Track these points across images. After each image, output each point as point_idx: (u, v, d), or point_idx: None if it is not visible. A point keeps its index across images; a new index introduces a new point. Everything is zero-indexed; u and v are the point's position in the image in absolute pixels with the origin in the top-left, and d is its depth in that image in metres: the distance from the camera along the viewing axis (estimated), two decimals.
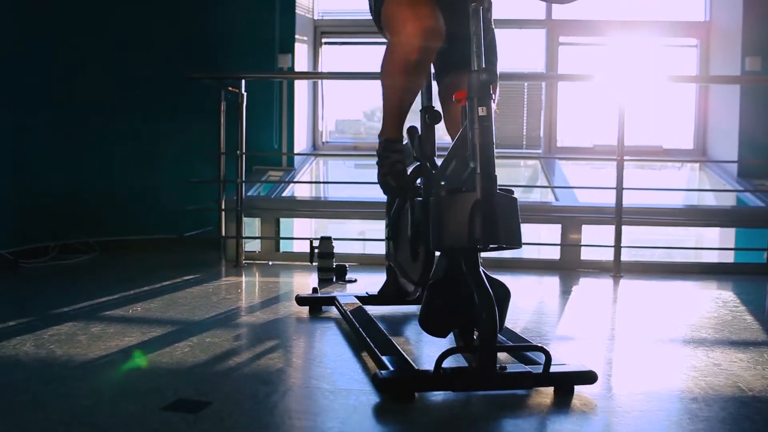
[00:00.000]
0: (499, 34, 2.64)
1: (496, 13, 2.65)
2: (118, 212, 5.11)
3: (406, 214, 2.60)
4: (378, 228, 4.57)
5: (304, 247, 4.42)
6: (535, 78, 5.71)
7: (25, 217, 4.67)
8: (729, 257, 4.93)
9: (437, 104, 2.68)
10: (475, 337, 1.99)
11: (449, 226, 1.97)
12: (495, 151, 1.99)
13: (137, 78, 5.17)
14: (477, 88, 1.98)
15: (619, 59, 5.71)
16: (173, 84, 4.98)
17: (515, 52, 5.75)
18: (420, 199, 2.50)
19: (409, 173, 2.57)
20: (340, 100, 6.02)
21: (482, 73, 1.99)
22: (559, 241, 4.50)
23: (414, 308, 2.91)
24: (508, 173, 5.49)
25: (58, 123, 5.00)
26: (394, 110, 2.49)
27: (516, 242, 1.97)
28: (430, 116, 2.55)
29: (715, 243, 5.27)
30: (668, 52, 5.82)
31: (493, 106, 2.04)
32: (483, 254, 2.05)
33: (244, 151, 4.53)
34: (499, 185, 1.97)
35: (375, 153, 2.64)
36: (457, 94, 2.04)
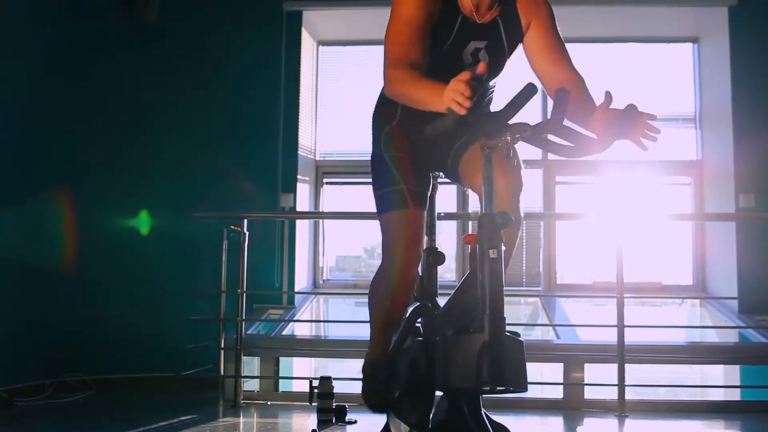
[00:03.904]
0: None
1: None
2: (116, 349, 5.06)
3: (406, 354, 2.59)
4: None
5: (303, 386, 4.36)
6: (534, 217, 5.79)
7: (21, 354, 4.63)
8: (735, 395, 4.85)
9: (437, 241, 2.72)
10: None
11: (456, 366, 1.96)
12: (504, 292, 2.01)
13: (139, 214, 5.25)
14: (488, 230, 2.01)
15: (615, 197, 5.82)
16: (175, 221, 5.07)
17: None
18: (420, 339, 2.50)
19: (408, 313, 2.58)
20: (340, 236, 6.08)
21: (494, 217, 2.02)
22: (561, 380, 4.44)
23: None
24: (508, 311, 5.44)
25: (57, 258, 5.04)
26: (383, 329, 2.69)
27: (523, 385, 1.96)
28: (433, 258, 2.60)
29: (719, 380, 5.20)
30: (663, 189, 5.93)
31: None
32: (486, 395, 2.03)
33: (245, 289, 4.54)
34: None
35: None
36: (467, 237, 2.07)
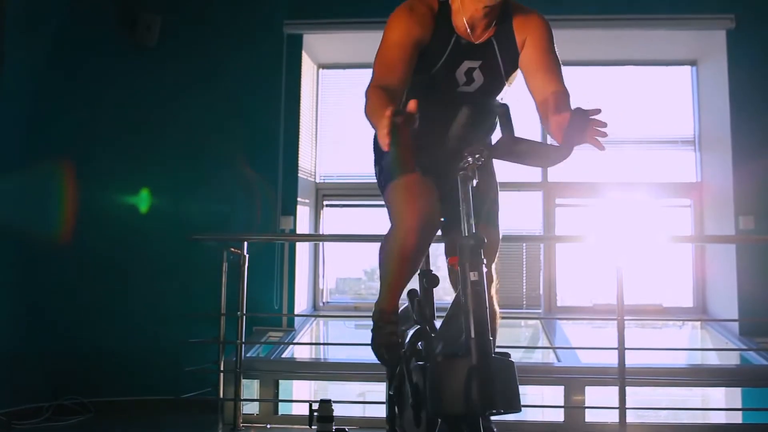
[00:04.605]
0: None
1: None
2: (115, 372, 5.04)
3: (409, 378, 2.58)
4: (379, 390, 4.50)
5: (303, 409, 4.33)
6: (534, 240, 5.80)
7: (19, 376, 4.62)
8: (737, 418, 4.82)
9: (434, 268, 2.71)
10: None
11: (446, 392, 1.95)
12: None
13: (139, 237, 5.26)
14: (468, 253, 2.02)
15: (615, 219, 5.82)
16: (175, 244, 5.06)
17: (513, 213, 5.86)
18: (421, 363, 2.49)
19: (409, 336, 2.57)
20: (340, 258, 6.09)
21: (471, 239, 2.03)
22: (562, 403, 4.42)
23: None
24: (509, 333, 5.47)
25: (56, 280, 5.04)
26: (391, 285, 2.53)
27: (514, 406, 1.95)
28: (428, 280, 2.59)
29: (721, 403, 5.17)
30: (663, 211, 5.93)
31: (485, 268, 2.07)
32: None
33: (244, 311, 4.53)
34: (497, 348, 1.97)
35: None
36: (451, 259, 2.08)
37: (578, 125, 2.06)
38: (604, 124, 2.11)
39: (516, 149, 2.08)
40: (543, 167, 2.06)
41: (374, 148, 2.75)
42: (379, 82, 2.42)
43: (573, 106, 2.19)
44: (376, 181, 2.74)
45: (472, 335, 1.94)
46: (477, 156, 2.09)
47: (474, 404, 1.88)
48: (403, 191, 2.41)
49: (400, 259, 2.43)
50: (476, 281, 1.99)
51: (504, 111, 2.01)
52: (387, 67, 2.44)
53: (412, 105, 1.94)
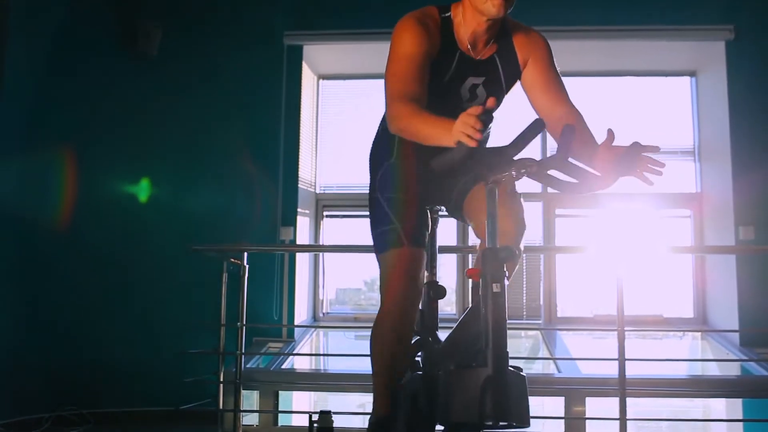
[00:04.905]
0: None
1: None
2: (115, 383, 5.04)
3: (405, 388, 2.57)
4: None
5: (303, 421, 4.32)
6: (534, 250, 5.79)
7: (19, 387, 4.61)
8: (738, 429, 4.81)
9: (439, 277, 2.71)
10: None
11: (459, 400, 1.95)
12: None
13: (137, 249, 5.25)
14: (491, 264, 2.00)
15: (615, 230, 5.81)
16: (175, 255, 5.06)
17: None
18: (419, 373, 2.48)
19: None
20: (340, 269, 6.08)
21: (497, 251, 2.02)
22: (562, 414, 4.40)
23: None
24: (509, 344, 5.45)
25: (54, 292, 5.03)
26: (385, 382, 2.57)
27: (525, 421, 1.95)
28: (434, 291, 2.58)
29: (721, 414, 5.16)
30: (663, 222, 5.93)
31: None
32: (488, 430, 2.01)
33: (244, 322, 4.52)
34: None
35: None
36: (470, 270, 2.07)
37: (632, 159, 2.08)
38: (662, 165, 2.14)
39: (563, 171, 2.07)
40: (575, 193, 2.03)
41: (369, 204, 2.80)
42: (402, 95, 2.36)
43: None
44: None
45: (490, 346, 1.93)
46: (523, 171, 2.06)
47: (488, 414, 1.88)
48: (396, 266, 2.51)
49: (399, 339, 2.51)
50: (498, 293, 1.98)
51: (570, 131, 2.00)
52: (406, 81, 2.39)
53: (491, 102, 1.92)
